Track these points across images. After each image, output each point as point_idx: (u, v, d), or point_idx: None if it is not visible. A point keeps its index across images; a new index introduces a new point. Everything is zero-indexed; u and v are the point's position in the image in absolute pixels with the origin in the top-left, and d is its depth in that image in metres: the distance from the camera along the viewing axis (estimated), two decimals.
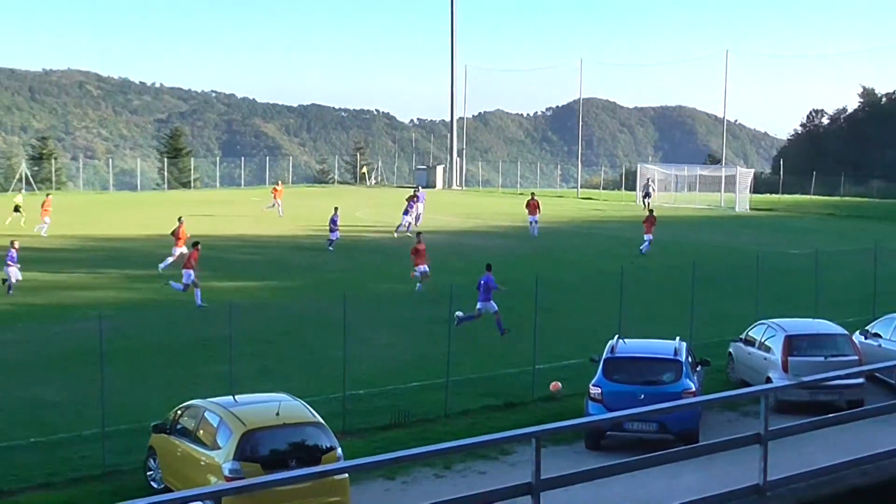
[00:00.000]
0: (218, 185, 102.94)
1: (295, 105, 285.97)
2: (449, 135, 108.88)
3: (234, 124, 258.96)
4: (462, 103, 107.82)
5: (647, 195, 78.10)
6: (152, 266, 41.14)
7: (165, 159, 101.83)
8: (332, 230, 48.96)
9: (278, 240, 53.42)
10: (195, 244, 37.37)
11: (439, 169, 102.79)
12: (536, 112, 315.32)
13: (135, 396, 23.63)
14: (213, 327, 28.75)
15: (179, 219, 43.34)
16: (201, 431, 16.95)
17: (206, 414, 17.08)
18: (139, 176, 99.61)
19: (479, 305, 31.84)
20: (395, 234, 53.99)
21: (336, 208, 50.39)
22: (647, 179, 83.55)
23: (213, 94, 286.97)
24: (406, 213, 55.73)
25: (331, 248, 48.52)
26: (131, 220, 60.41)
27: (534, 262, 43.61)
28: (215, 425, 16.65)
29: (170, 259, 40.72)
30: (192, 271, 35.90)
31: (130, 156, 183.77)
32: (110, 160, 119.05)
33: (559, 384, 24.38)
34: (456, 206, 66.86)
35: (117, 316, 31.06)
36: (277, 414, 16.64)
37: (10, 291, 36.51)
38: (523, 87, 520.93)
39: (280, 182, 79.26)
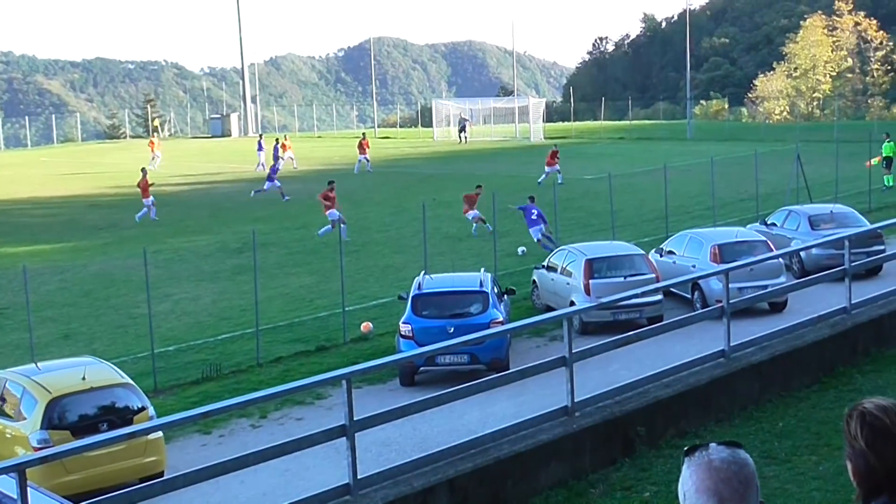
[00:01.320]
0: (2, 147, 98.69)
1: (78, 59, 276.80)
2: (241, 81, 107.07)
3: (14, 83, 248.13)
4: (252, 49, 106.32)
5: (462, 129, 79.78)
6: None
7: None
8: (270, 178, 48.86)
9: (71, 199, 51.69)
10: (330, 182, 38.05)
11: (234, 117, 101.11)
12: (329, 54, 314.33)
13: None
14: (7, 294, 27.71)
15: (143, 170, 44.04)
16: (4, 403, 16.37)
17: (7, 385, 16.49)
18: None
19: (537, 232, 32.68)
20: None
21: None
22: (461, 114, 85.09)
23: None
24: (276, 157, 56.49)
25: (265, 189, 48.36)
26: None
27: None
28: (18, 395, 16.10)
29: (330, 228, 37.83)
30: (335, 210, 36.66)
31: None
32: None
33: (370, 324, 24.46)
34: (253, 153, 65.76)
35: None
36: (83, 378, 16.19)
37: None
38: (314, 29, 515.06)
39: (155, 134, 77.13)
